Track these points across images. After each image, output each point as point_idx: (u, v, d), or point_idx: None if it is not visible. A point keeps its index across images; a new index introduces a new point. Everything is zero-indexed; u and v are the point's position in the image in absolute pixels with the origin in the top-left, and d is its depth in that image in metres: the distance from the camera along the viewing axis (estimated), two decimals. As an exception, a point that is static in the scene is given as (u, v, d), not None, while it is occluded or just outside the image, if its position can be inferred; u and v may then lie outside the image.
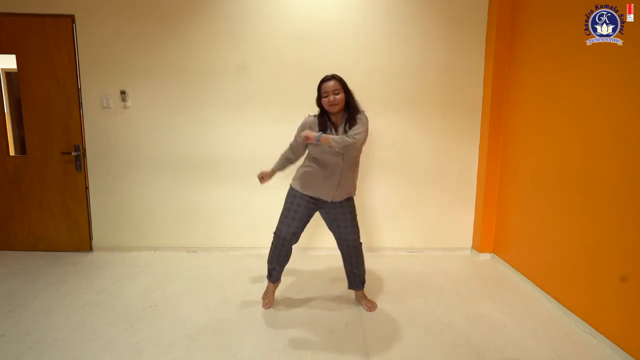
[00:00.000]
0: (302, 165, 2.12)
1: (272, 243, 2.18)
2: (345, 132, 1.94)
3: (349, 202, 2.13)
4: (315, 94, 2.02)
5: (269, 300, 2.24)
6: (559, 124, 2.26)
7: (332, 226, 2.16)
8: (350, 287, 2.28)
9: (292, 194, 2.11)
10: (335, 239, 2.19)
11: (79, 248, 3.14)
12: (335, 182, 2.02)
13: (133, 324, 2.03)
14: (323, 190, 2.04)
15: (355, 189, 2.17)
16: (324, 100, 1.95)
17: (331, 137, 1.84)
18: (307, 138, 1.87)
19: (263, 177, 2.19)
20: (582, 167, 2.05)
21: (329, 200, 2.05)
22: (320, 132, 1.89)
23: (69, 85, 2.93)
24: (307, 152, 2.12)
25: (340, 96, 1.93)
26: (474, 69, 2.98)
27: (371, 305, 2.23)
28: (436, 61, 2.96)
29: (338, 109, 1.95)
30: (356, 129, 1.89)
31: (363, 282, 2.26)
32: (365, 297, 2.28)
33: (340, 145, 1.83)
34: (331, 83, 1.93)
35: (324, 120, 2.00)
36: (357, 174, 2.16)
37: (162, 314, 2.14)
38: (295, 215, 2.08)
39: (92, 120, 2.99)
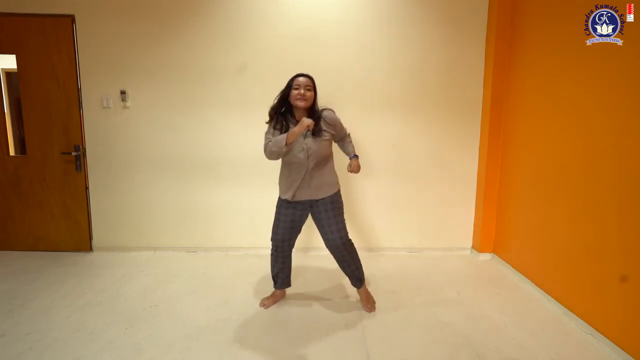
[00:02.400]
0: (280, 170, 2.14)
1: (271, 250, 2.22)
2: (319, 130, 1.98)
3: (328, 199, 2.05)
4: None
5: (268, 302, 2.25)
6: (559, 124, 2.26)
7: (317, 227, 2.13)
8: (351, 283, 2.26)
9: (278, 202, 2.15)
10: (322, 239, 2.13)
11: (79, 248, 3.14)
12: (297, 181, 1.99)
13: (133, 324, 2.03)
14: (286, 189, 2.04)
15: (333, 186, 2.08)
16: (294, 93, 1.94)
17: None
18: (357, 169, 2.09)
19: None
20: (582, 167, 2.05)
21: (290, 199, 2.02)
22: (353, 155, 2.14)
23: (69, 85, 2.93)
24: None
25: (310, 94, 1.96)
26: (474, 69, 2.98)
27: (371, 306, 2.22)
28: (436, 61, 2.96)
29: (304, 105, 1.95)
30: (345, 130, 2.19)
31: (359, 279, 2.21)
32: (365, 295, 2.25)
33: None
34: (305, 79, 1.96)
35: (285, 116, 1.99)
36: (331, 170, 2.10)
37: (162, 314, 2.14)
38: (278, 223, 2.12)
39: (92, 120, 2.99)
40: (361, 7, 2.89)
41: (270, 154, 1.95)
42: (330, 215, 2.05)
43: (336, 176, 2.13)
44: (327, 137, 2.02)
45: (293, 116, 2.01)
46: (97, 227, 3.14)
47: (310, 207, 2.09)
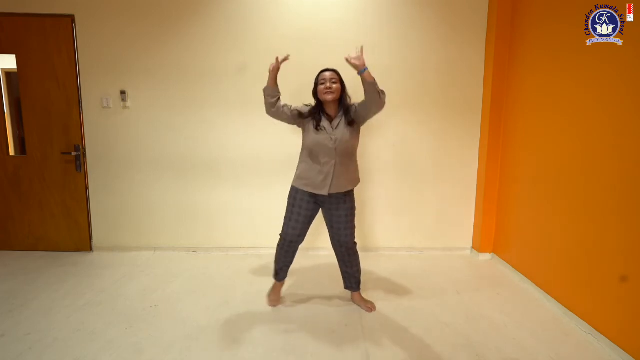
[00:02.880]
0: (299, 162, 2.12)
1: (279, 244, 2.19)
2: (346, 122, 1.99)
3: (347, 198, 2.08)
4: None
5: (275, 298, 2.26)
6: (559, 123, 2.26)
7: (328, 224, 2.16)
8: (346, 287, 2.29)
9: (292, 195, 2.10)
10: (330, 237, 2.18)
11: (79, 248, 3.14)
12: (330, 174, 1.99)
13: (133, 324, 2.03)
14: (318, 184, 2.01)
15: (357, 181, 2.13)
16: (320, 88, 1.98)
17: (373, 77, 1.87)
18: (357, 59, 1.85)
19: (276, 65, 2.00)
20: (582, 167, 2.05)
21: (326, 194, 2.01)
22: (366, 67, 1.86)
23: (69, 85, 2.93)
24: (301, 146, 2.10)
25: (337, 86, 1.98)
26: (474, 69, 2.98)
27: (371, 306, 2.22)
28: (436, 61, 2.96)
29: (333, 97, 1.97)
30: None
31: (359, 282, 2.25)
32: (362, 298, 2.27)
33: (378, 88, 1.86)
34: (330, 73, 1.99)
35: (318, 112, 2.03)
36: (356, 165, 2.13)
37: (162, 314, 2.14)
38: (298, 218, 2.09)
39: (92, 120, 2.99)
40: (361, 7, 2.90)
41: (265, 103, 2.04)
42: (346, 219, 2.09)
43: (358, 172, 2.16)
44: (356, 129, 2.05)
45: (324, 112, 2.04)
46: (97, 227, 3.14)
47: (330, 203, 2.08)
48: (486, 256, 3.09)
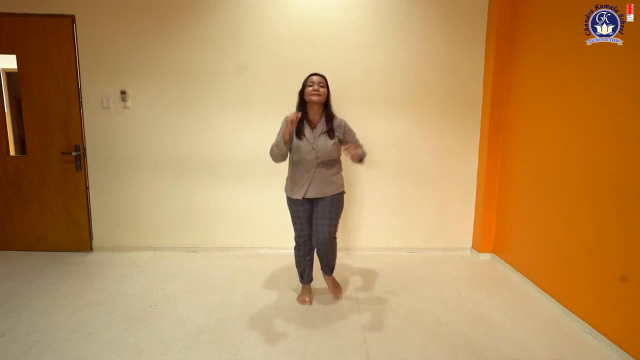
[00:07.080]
0: (288, 169, 2.22)
1: (295, 248, 2.28)
2: (329, 131, 2.08)
3: (333, 199, 2.14)
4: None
5: (308, 298, 2.30)
6: (559, 123, 2.26)
7: (312, 218, 2.20)
8: (321, 269, 2.35)
9: (288, 202, 2.21)
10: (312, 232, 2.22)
11: (79, 248, 3.14)
12: (307, 180, 2.09)
13: (133, 324, 2.03)
14: (297, 190, 2.12)
15: (339, 187, 2.18)
16: (308, 89, 2.06)
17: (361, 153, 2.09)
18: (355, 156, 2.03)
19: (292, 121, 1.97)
20: (582, 167, 2.05)
21: (300, 198, 2.10)
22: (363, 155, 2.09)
23: (69, 85, 2.93)
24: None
25: (324, 90, 2.07)
26: (474, 69, 2.99)
27: (337, 292, 2.32)
28: (436, 61, 2.96)
29: (318, 100, 2.05)
30: (357, 140, 2.21)
31: (331, 268, 2.32)
32: (333, 281, 2.36)
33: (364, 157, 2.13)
34: (318, 77, 2.08)
35: (301, 116, 2.08)
36: (339, 171, 2.20)
37: (162, 314, 2.14)
38: (302, 219, 2.18)
39: (92, 120, 2.99)
40: (362, 7, 2.89)
41: (275, 156, 2.10)
42: (330, 216, 2.13)
43: (342, 179, 2.23)
44: (336, 140, 2.11)
45: (307, 118, 2.10)
46: (97, 227, 3.14)
47: (316, 204, 2.16)
48: (486, 256, 3.09)
